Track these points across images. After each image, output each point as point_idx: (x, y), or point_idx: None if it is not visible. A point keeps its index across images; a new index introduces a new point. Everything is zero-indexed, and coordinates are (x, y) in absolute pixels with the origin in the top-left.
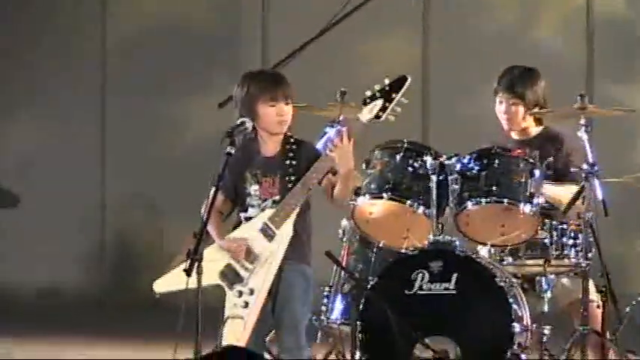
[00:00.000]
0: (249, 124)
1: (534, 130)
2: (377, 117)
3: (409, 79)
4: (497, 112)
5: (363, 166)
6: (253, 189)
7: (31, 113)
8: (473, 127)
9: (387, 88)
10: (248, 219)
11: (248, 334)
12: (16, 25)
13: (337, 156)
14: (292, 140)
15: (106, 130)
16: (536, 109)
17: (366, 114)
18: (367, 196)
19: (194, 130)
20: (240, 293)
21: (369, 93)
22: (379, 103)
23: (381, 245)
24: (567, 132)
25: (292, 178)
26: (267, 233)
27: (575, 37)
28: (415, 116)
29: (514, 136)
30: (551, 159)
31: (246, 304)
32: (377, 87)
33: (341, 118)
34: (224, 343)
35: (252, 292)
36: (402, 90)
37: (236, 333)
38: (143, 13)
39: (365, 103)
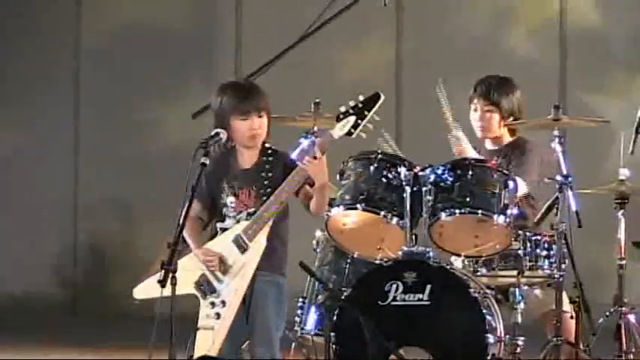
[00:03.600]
0: (223, 135)
1: (507, 139)
2: (349, 134)
3: (382, 97)
4: (472, 119)
5: (337, 177)
6: (229, 200)
7: (4, 117)
8: (447, 136)
9: (360, 105)
10: (224, 229)
11: (218, 346)
12: None
13: (312, 171)
14: (269, 151)
15: (80, 134)
16: (510, 119)
17: (338, 130)
18: (341, 206)
19: (168, 134)
20: (213, 304)
21: (342, 109)
22: (352, 119)
23: (355, 256)
24: (538, 142)
25: (268, 190)
26: (240, 245)
27: (548, 46)
28: (389, 124)
29: (487, 145)
30: (512, 165)
31: (218, 316)
32: (350, 103)
33: (315, 128)
34: (195, 353)
35: (224, 303)
36: (375, 108)
37: (206, 344)
38: (118, 17)
39: (338, 120)
